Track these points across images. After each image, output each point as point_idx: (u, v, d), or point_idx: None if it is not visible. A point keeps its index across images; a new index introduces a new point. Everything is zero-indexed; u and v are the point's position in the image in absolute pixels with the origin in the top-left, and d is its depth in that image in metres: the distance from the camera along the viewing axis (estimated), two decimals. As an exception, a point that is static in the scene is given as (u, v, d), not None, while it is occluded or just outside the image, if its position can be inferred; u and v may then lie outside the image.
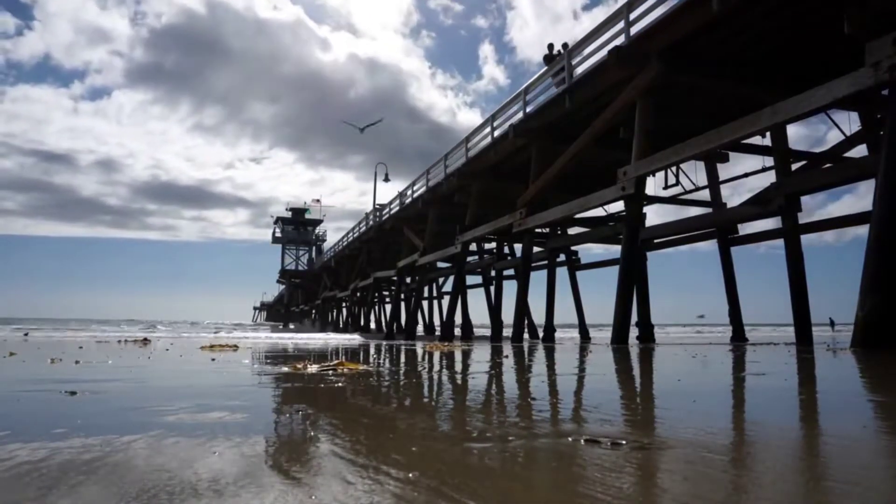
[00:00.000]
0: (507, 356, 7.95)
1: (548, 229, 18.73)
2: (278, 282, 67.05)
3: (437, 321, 29.99)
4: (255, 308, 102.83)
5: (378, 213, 28.58)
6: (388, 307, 34.76)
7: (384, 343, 14.89)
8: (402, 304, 29.39)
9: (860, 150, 12.52)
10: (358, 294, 35.02)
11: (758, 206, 12.68)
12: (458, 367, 6.54)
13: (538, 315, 20.70)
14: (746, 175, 14.47)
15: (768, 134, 12.64)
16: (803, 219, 12.49)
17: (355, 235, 33.75)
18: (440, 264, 24.00)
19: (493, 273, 22.32)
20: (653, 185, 14.40)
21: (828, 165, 12.59)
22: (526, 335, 18.20)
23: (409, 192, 24.14)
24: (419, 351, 10.04)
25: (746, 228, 14.74)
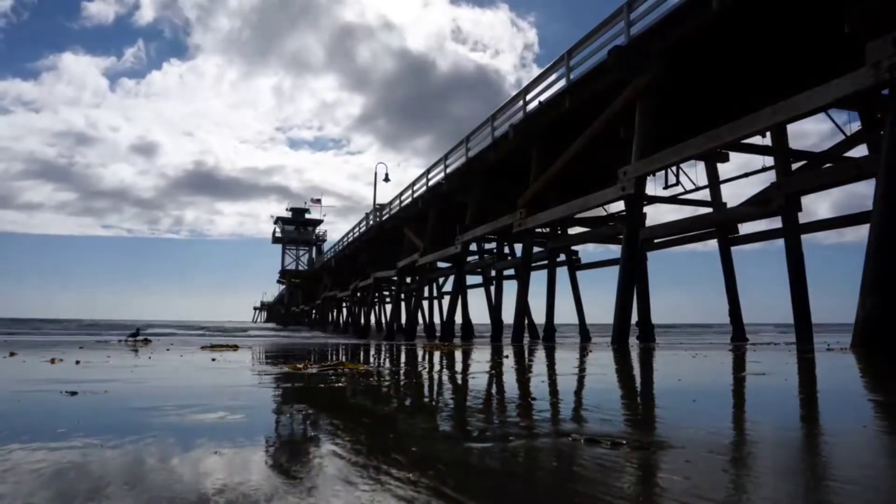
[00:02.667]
0: (507, 356, 7.95)
1: (548, 229, 18.70)
2: (279, 282, 67.12)
3: (437, 321, 29.97)
4: (255, 308, 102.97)
5: (378, 213, 28.57)
6: (389, 307, 34.76)
7: (384, 343, 14.89)
8: (403, 304, 29.37)
9: (860, 150, 12.51)
10: (358, 294, 35.00)
11: (758, 206, 12.67)
12: (459, 367, 6.54)
13: (538, 315, 20.69)
14: (746, 175, 14.47)
15: (768, 134, 12.64)
16: (803, 218, 12.51)
17: (355, 235, 33.75)
18: (440, 264, 23.97)
19: (493, 273, 22.29)
20: (653, 185, 14.40)
21: (828, 165, 12.58)
22: (526, 335, 18.19)
23: (410, 192, 24.13)
24: (419, 351, 10.03)
25: (747, 228, 14.75)
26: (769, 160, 13.25)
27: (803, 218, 12.54)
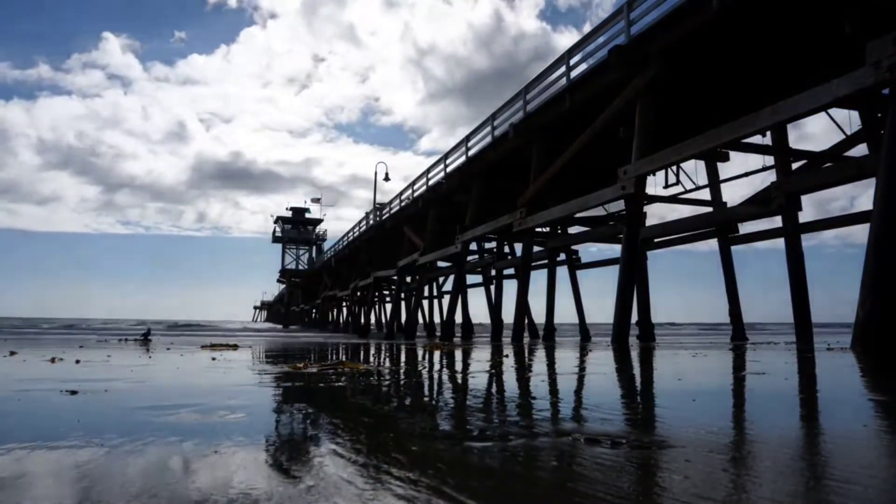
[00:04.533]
0: (507, 355, 7.95)
1: (548, 229, 18.70)
2: (279, 281, 67.13)
3: (437, 320, 29.98)
4: (255, 308, 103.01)
5: (378, 213, 28.57)
6: (389, 306, 34.75)
7: (384, 342, 14.89)
8: (403, 303, 29.37)
9: (860, 150, 12.51)
10: (358, 293, 35.00)
11: (758, 205, 12.67)
12: (459, 366, 6.54)
13: (538, 314, 20.70)
14: (746, 174, 14.47)
15: (769, 133, 12.64)
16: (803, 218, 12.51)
17: (356, 234, 33.76)
18: (440, 263, 23.97)
19: (493, 272, 22.29)
20: (653, 185, 14.39)
21: (828, 165, 12.58)
22: (526, 334, 18.19)
23: (410, 192, 24.13)
24: (419, 350, 10.04)
25: (747, 228, 14.75)
26: (769, 160, 13.26)
27: (803, 217, 12.54)
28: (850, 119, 12.51)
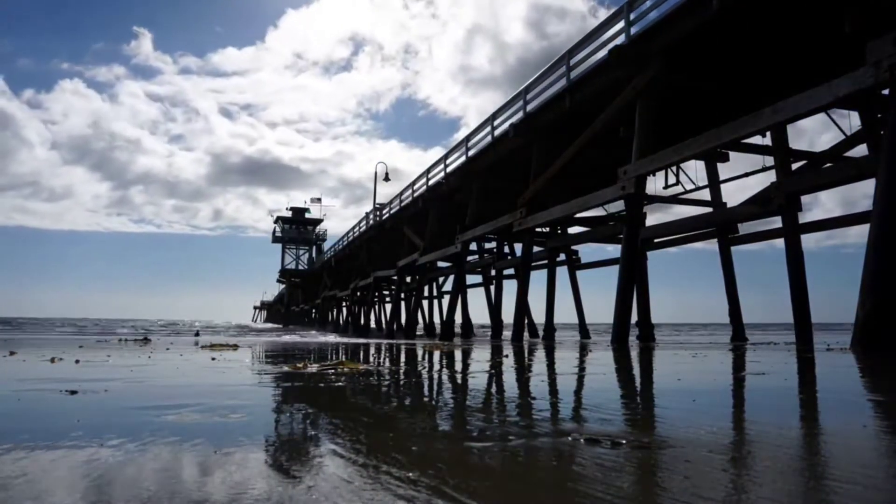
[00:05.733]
0: (507, 355, 7.95)
1: (548, 229, 18.71)
2: (278, 281, 67.13)
3: (437, 320, 29.98)
4: (254, 308, 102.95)
5: (378, 213, 28.58)
6: (389, 306, 34.75)
7: (384, 342, 14.88)
8: (402, 303, 29.38)
9: (860, 150, 12.51)
10: (358, 293, 35.00)
11: (758, 205, 12.67)
12: (458, 366, 6.54)
13: (538, 314, 20.71)
14: (746, 175, 14.47)
15: (768, 133, 12.64)
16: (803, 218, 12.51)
17: (356, 234, 33.76)
18: (440, 263, 23.98)
19: (493, 272, 22.30)
20: (653, 185, 14.39)
21: (828, 165, 12.58)
22: (526, 335, 18.19)
23: (410, 191, 24.14)
24: (419, 350, 10.03)
25: (747, 228, 14.75)
26: (769, 160, 13.26)
27: (808, 217, 12.54)
28: (850, 119, 12.52)
